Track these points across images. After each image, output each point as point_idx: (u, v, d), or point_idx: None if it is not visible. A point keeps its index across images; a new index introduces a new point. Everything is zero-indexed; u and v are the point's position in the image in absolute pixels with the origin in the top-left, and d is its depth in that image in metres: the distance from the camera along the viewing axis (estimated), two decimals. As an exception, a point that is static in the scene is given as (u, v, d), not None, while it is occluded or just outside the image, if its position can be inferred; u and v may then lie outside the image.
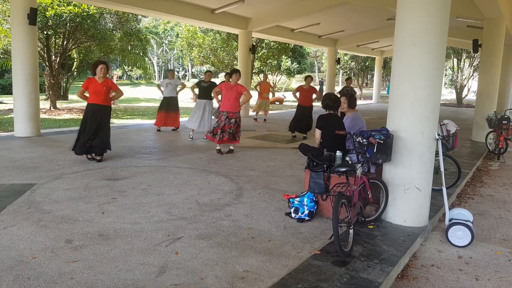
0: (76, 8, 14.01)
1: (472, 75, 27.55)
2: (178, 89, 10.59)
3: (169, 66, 55.73)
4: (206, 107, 9.26)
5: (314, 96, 10.30)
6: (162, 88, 10.56)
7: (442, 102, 27.33)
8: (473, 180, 6.85)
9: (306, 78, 10.53)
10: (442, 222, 4.57)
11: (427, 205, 4.27)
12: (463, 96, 28.05)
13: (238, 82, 7.79)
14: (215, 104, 9.11)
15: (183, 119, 11.60)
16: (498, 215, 5.06)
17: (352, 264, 3.27)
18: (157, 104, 13.41)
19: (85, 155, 6.69)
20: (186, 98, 23.98)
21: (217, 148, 7.69)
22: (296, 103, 10.63)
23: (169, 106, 10.42)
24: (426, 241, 4.13)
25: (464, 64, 28.13)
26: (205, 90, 9.30)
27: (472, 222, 4.06)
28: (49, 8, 13.59)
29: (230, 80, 7.68)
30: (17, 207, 4.34)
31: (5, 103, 17.53)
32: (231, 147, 7.88)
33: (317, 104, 11.73)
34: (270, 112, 17.83)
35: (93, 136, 6.46)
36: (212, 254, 3.35)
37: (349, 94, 5.30)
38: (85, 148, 6.50)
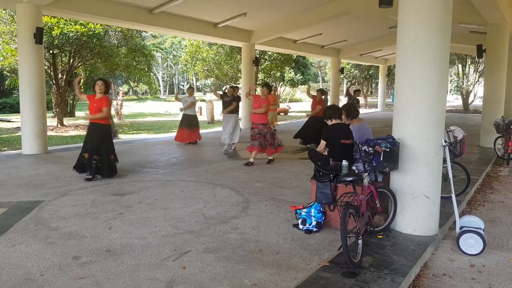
0: (82, 27, 14.22)
1: (478, 80, 27.42)
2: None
3: (174, 80, 56.21)
4: (230, 121, 9.48)
5: None
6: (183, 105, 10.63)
7: (448, 108, 27.18)
8: (483, 187, 6.76)
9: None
10: (452, 230, 4.49)
11: (437, 213, 4.21)
12: (469, 102, 27.89)
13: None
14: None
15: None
16: (510, 222, 4.96)
17: (362, 275, 3.21)
18: (163, 119, 13.46)
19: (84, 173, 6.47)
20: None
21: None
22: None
23: (192, 122, 10.63)
24: (437, 250, 4.06)
25: (469, 70, 28.03)
26: (226, 105, 9.62)
27: (483, 230, 3.98)
28: (55, 27, 13.82)
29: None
30: (25, 224, 4.35)
31: (13, 122, 17.74)
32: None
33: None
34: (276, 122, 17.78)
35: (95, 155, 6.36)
36: (220, 268, 3.32)
37: (345, 107, 5.28)
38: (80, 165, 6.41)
